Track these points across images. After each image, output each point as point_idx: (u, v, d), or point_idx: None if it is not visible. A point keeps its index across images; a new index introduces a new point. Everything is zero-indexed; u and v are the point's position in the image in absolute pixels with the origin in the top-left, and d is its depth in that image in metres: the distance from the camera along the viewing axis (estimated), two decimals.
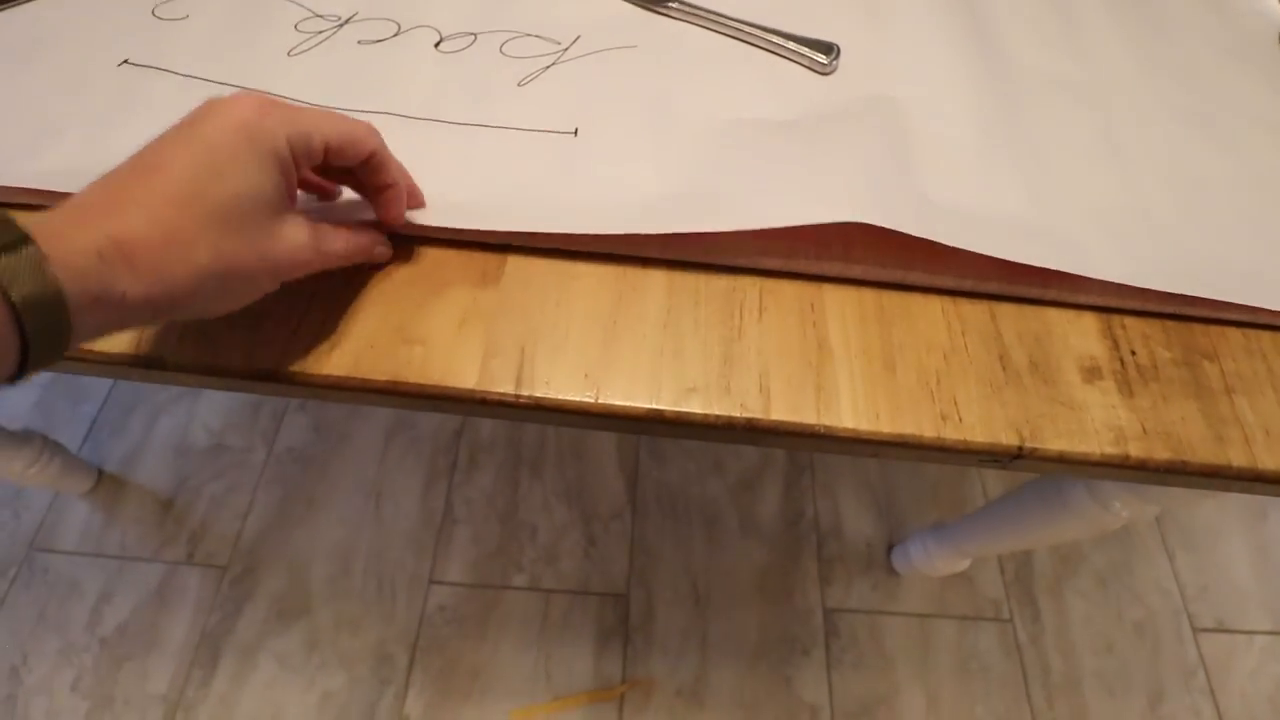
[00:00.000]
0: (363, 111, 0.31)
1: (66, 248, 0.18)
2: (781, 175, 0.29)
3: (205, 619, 0.79)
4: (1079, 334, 0.29)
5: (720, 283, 0.28)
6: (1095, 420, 0.26)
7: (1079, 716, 0.79)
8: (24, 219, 0.18)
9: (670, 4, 0.37)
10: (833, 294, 0.28)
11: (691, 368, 0.26)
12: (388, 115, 0.31)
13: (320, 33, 0.35)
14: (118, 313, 0.19)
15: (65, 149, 0.29)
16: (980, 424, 0.26)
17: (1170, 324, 0.29)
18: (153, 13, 0.35)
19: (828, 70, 0.35)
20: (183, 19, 0.35)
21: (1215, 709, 0.80)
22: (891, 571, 0.84)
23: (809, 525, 0.87)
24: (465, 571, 0.83)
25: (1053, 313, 0.29)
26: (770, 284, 0.28)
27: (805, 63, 0.35)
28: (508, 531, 0.86)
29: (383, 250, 0.27)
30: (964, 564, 0.79)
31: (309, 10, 0.35)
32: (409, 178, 0.27)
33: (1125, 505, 0.49)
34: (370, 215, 0.27)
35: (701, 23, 0.37)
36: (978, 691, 0.80)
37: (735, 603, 0.82)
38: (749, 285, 0.28)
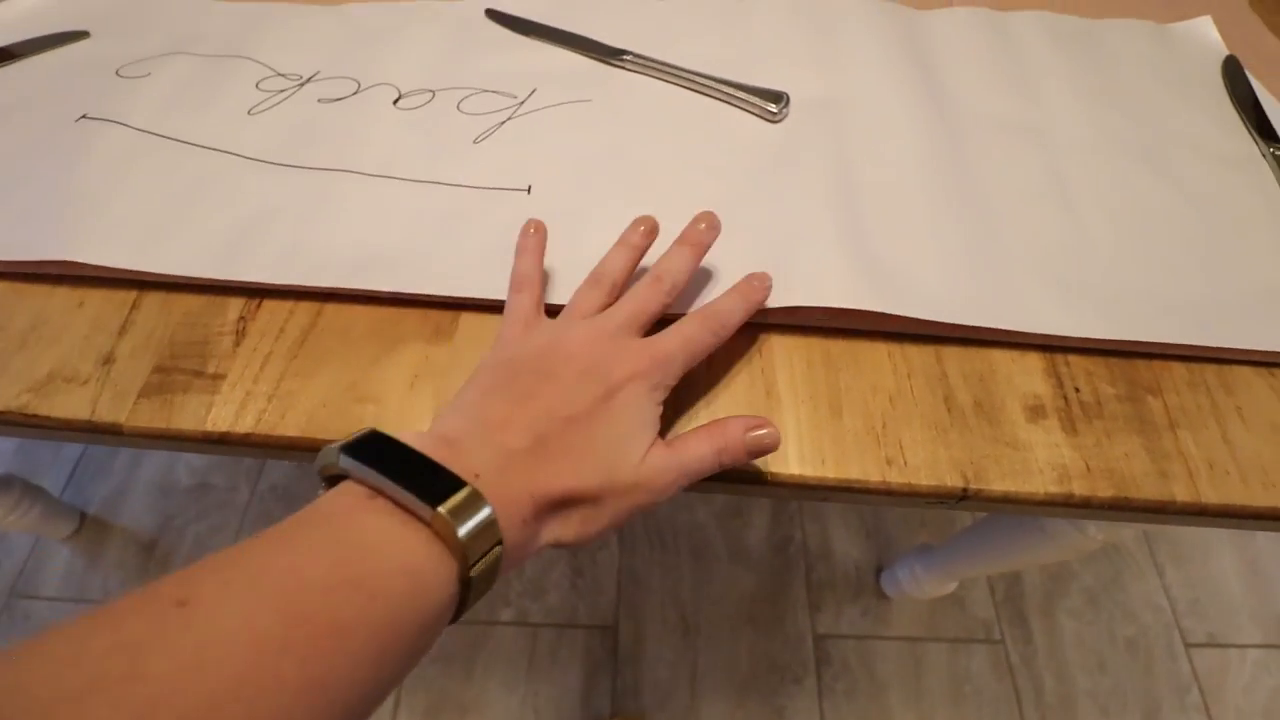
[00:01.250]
0: (319, 169, 0.32)
1: (504, 523, 0.19)
2: (741, 249, 0.29)
3: None
4: (1023, 373, 0.29)
5: None
6: (1039, 459, 0.27)
7: None
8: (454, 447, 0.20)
9: (625, 57, 0.38)
10: (780, 340, 0.29)
11: None
12: (344, 173, 0.32)
13: (281, 91, 0.36)
14: (530, 556, 0.20)
15: (16, 212, 0.30)
16: (925, 467, 0.26)
17: (1114, 360, 0.30)
18: (116, 73, 0.36)
19: (778, 118, 0.36)
20: (144, 76, 0.36)
21: None
22: (881, 595, 0.84)
23: (797, 550, 0.87)
24: None
25: (997, 353, 0.30)
26: None
27: (756, 111, 0.36)
28: None
29: (765, 437, 0.24)
30: (951, 586, 0.79)
31: (270, 69, 0.37)
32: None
33: (1099, 529, 0.49)
34: None
35: (654, 74, 0.38)
36: (971, 715, 0.79)
37: (725, 631, 0.82)
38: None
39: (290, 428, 0.26)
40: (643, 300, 0.25)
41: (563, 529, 0.21)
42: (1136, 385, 0.29)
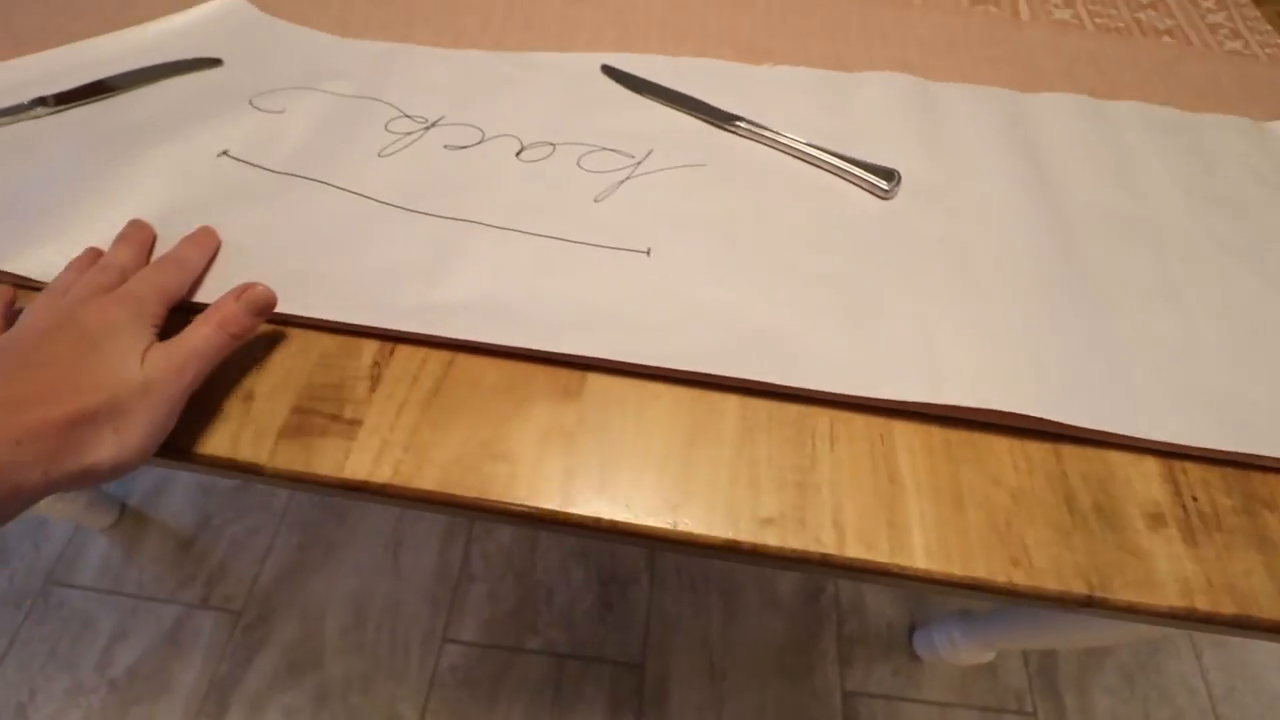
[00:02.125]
0: (449, 218, 0.33)
1: None
2: (859, 334, 0.30)
3: (216, 666, 0.78)
4: (1141, 478, 0.29)
5: (791, 411, 0.29)
6: (1161, 570, 0.27)
7: None
8: None
9: (737, 123, 0.39)
10: (901, 427, 0.29)
11: (767, 498, 0.27)
12: (472, 223, 0.33)
13: (409, 134, 0.37)
14: (39, 491, 0.21)
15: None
16: (1050, 570, 0.26)
17: (1229, 470, 0.30)
18: (250, 102, 0.37)
19: (889, 195, 0.36)
20: (280, 112, 0.37)
21: None
22: (913, 656, 0.83)
23: (829, 602, 0.86)
24: (479, 631, 0.82)
25: (1115, 454, 0.30)
26: (841, 414, 0.29)
27: (867, 187, 0.37)
28: (524, 591, 0.85)
29: (254, 294, 0.27)
30: (989, 655, 0.78)
31: (398, 110, 0.38)
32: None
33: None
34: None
35: (766, 142, 0.38)
36: None
37: (752, 680, 0.81)
38: (819, 414, 0.29)
39: (426, 481, 0.26)
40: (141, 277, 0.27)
41: (96, 449, 0.22)
42: (1253, 498, 0.29)
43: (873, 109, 0.41)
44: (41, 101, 0.36)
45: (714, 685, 0.80)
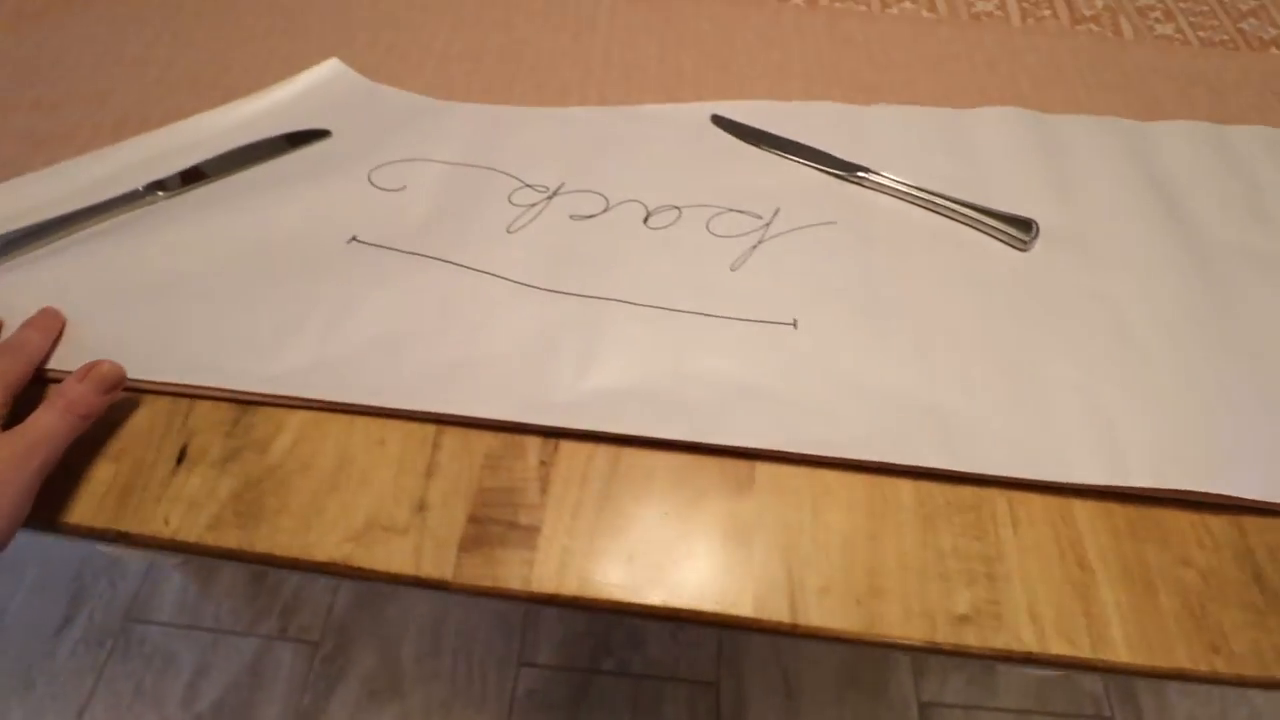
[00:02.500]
0: (590, 296, 0.32)
1: None
2: (1027, 410, 0.29)
3: (299, 699, 0.79)
4: None
5: (967, 494, 0.28)
6: None
7: None
8: None
9: (860, 174, 0.38)
10: (1081, 507, 0.28)
11: (958, 592, 0.26)
12: (613, 301, 0.32)
13: (533, 205, 0.36)
14: None
15: (305, 342, 0.30)
16: (1250, 654, 0.26)
17: None
18: (369, 180, 0.37)
19: (1027, 247, 0.35)
20: (400, 190, 0.36)
21: None
22: (987, 665, 0.83)
23: None
24: (554, 653, 0.83)
25: None
26: (1018, 495, 0.28)
27: (1004, 239, 0.36)
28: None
29: (99, 371, 0.27)
30: None
31: (518, 180, 0.37)
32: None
33: None
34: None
35: (893, 193, 0.37)
36: None
37: (828, 694, 0.81)
38: (997, 496, 0.28)
39: (614, 590, 0.26)
40: None
41: None
42: None
43: (995, 149, 0.39)
44: (159, 186, 0.36)
45: (790, 702, 0.81)
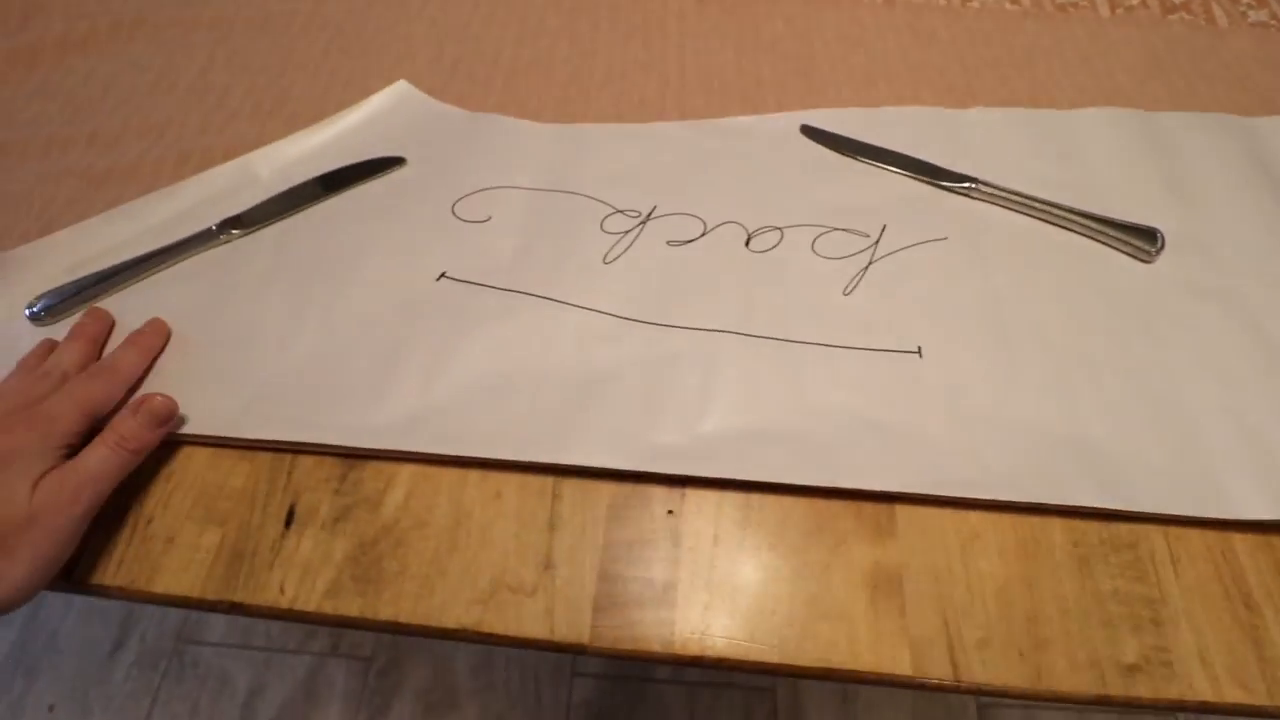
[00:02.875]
0: (696, 329, 0.31)
1: None
2: (1177, 439, 0.28)
3: (355, 714, 0.79)
4: None
5: (1122, 532, 0.27)
6: None
7: None
8: None
9: (968, 184, 0.36)
10: (1241, 541, 0.27)
11: (1124, 639, 0.25)
12: (725, 334, 0.30)
13: (627, 232, 0.34)
14: None
15: (406, 389, 0.29)
16: None
17: None
18: (452, 211, 0.35)
19: (1152, 259, 0.33)
20: (485, 221, 0.35)
21: None
22: None
23: None
24: (607, 662, 0.82)
25: None
26: (1174, 531, 0.27)
27: (1127, 250, 0.34)
28: None
29: (151, 405, 0.27)
30: None
31: (609, 205, 0.35)
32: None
33: None
34: None
35: (1003, 204, 0.35)
36: None
37: (884, 696, 0.80)
38: (1153, 534, 0.27)
39: (766, 653, 0.24)
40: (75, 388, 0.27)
41: None
42: None
43: (1104, 152, 0.37)
44: (235, 223, 0.34)
45: (846, 706, 0.80)
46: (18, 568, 0.23)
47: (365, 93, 0.40)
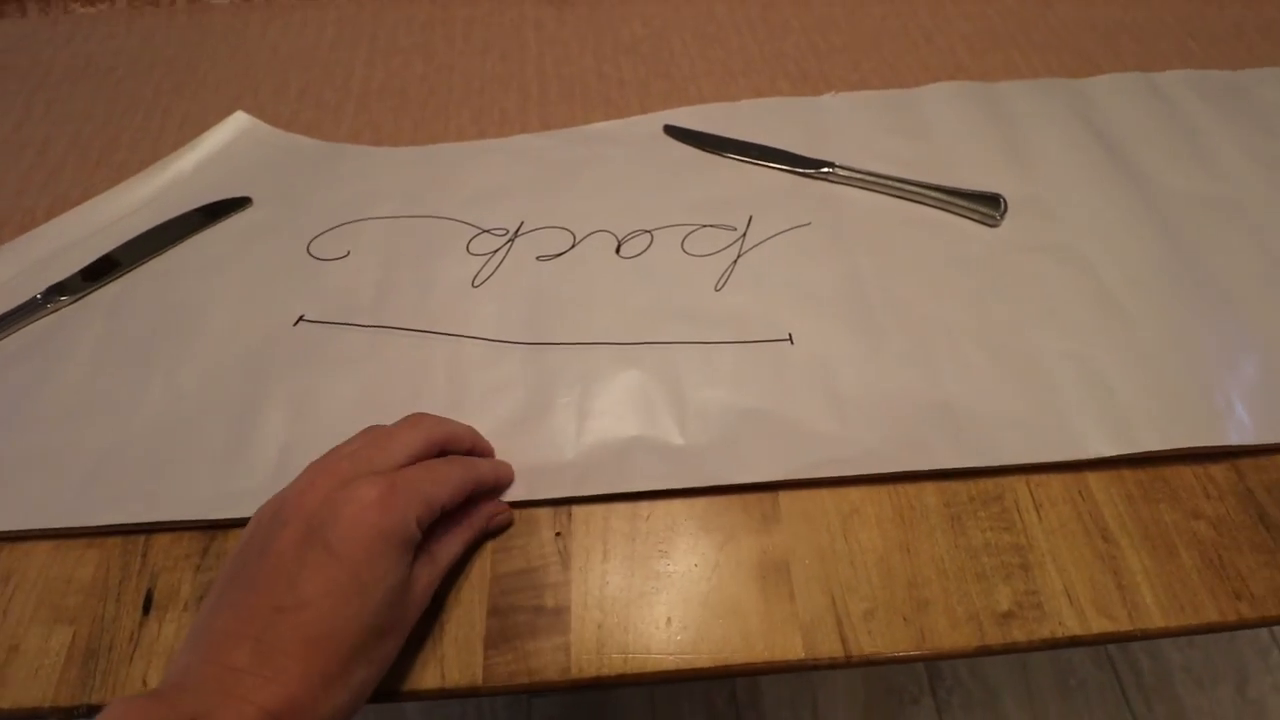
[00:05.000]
0: (573, 343, 0.30)
1: None
2: (1029, 392, 0.29)
3: None
4: None
5: (988, 485, 0.28)
6: None
7: (1176, 713, 0.83)
8: (168, 700, 0.18)
9: (825, 169, 0.37)
10: (1095, 479, 0.29)
11: (998, 588, 0.26)
12: (599, 345, 0.30)
13: (495, 252, 0.33)
14: None
15: (268, 446, 0.27)
16: (1270, 595, 0.27)
17: None
18: (308, 250, 0.33)
19: (998, 223, 0.35)
20: (344, 257, 0.33)
21: None
22: None
23: None
24: None
25: None
26: (1035, 478, 0.29)
27: (975, 217, 0.35)
28: None
29: (503, 518, 0.26)
30: None
31: (474, 226, 0.34)
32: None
33: None
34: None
35: (860, 185, 0.37)
36: (1080, 707, 0.83)
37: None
38: (1016, 484, 0.28)
39: (663, 662, 0.24)
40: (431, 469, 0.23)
41: (360, 687, 0.20)
42: None
43: (949, 126, 0.39)
44: (59, 290, 0.31)
45: (802, 678, 0.82)
46: (388, 659, 0.22)
47: (205, 132, 0.37)
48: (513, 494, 0.26)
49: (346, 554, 0.20)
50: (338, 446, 0.24)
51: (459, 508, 0.24)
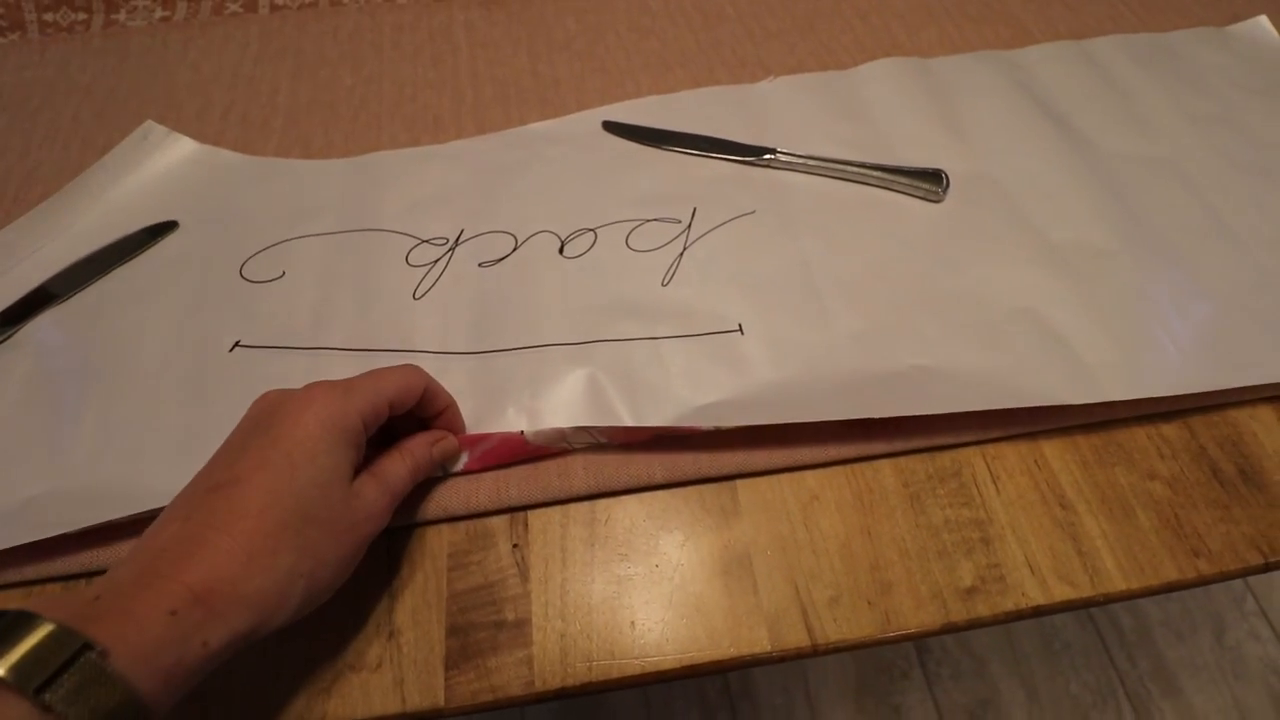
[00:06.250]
0: (519, 348, 0.30)
1: (134, 630, 0.17)
2: (988, 350, 0.29)
3: None
4: (1264, 429, 0.30)
5: (945, 461, 0.28)
6: None
7: (1159, 666, 0.85)
8: (81, 590, 0.19)
9: (768, 156, 0.37)
10: (1050, 447, 0.29)
11: (960, 564, 0.26)
12: (547, 348, 0.30)
13: (435, 262, 0.32)
14: (201, 665, 0.18)
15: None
16: (1227, 551, 0.27)
17: None
18: (240, 273, 0.32)
19: (940, 198, 0.35)
20: (278, 278, 0.32)
21: (1270, 627, 0.88)
22: None
23: None
24: None
25: (1234, 412, 0.30)
26: (991, 450, 0.29)
27: (918, 194, 0.35)
28: None
29: (448, 443, 0.26)
30: None
31: (413, 236, 0.33)
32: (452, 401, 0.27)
33: None
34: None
35: (803, 169, 0.36)
36: (1066, 667, 0.84)
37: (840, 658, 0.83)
38: (973, 457, 0.28)
39: (628, 667, 0.24)
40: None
41: (286, 575, 0.20)
42: None
43: (888, 105, 0.39)
44: None
45: (794, 662, 0.82)
46: (333, 567, 0.22)
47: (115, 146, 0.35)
48: (472, 508, 0.26)
49: (284, 434, 0.21)
50: None
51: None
